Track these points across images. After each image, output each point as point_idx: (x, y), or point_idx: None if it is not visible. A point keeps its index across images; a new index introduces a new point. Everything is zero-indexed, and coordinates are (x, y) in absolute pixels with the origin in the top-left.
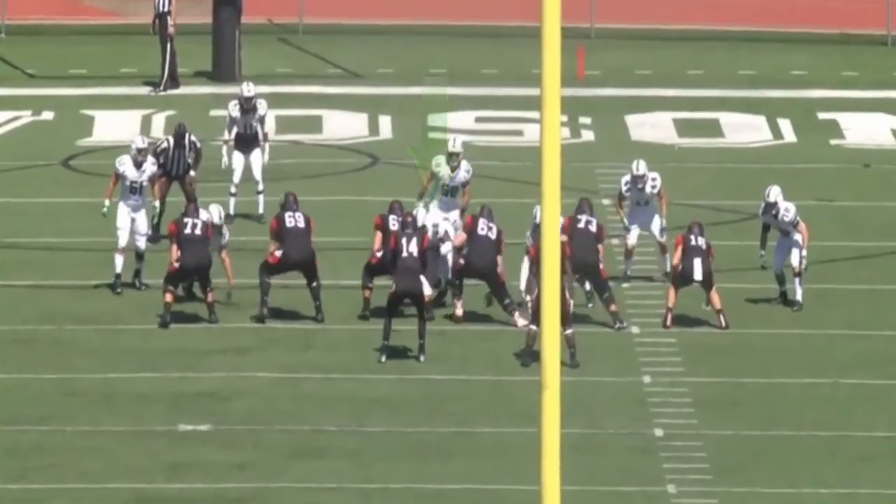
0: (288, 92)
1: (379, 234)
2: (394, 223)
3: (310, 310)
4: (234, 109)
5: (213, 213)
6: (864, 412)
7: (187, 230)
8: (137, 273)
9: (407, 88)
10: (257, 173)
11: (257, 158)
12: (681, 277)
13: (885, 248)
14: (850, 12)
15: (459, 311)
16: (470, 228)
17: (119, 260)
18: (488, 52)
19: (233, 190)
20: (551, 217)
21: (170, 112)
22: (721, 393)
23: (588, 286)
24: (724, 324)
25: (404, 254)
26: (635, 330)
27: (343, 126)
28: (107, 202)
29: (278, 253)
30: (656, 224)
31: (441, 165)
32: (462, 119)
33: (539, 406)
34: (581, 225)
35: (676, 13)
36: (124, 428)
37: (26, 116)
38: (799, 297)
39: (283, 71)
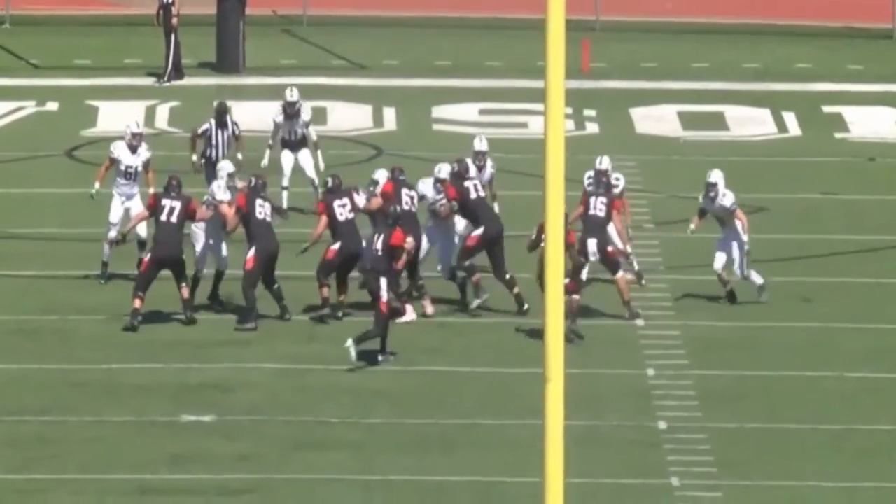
0: (292, 83)
1: (324, 218)
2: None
3: (316, 300)
4: (278, 115)
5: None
6: (869, 406)
7: (163, 216)
8: (140, 263)
9: (411, 80)
10: (311, 173)
11: (307, 159)
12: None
13: (890, 242)
14: (856, 5)
15: (430, 310)
16: (462, 197)
17: (107, 249)
18: (493, 44)
19: (285, 183)
20: (555, 209)
21: (174, 103)
22: (725, 386)
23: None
24: (628, 314)
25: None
26: (639, 322)
27: (347, 118)
28: (96, 185)
29: (335, 247)
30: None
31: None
32: (466, 111)
33: (543, 399)
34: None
35: (681, 6)
36: (127, 419)
37: (31, 107)
38: (759, 280)
39: (287, 62)
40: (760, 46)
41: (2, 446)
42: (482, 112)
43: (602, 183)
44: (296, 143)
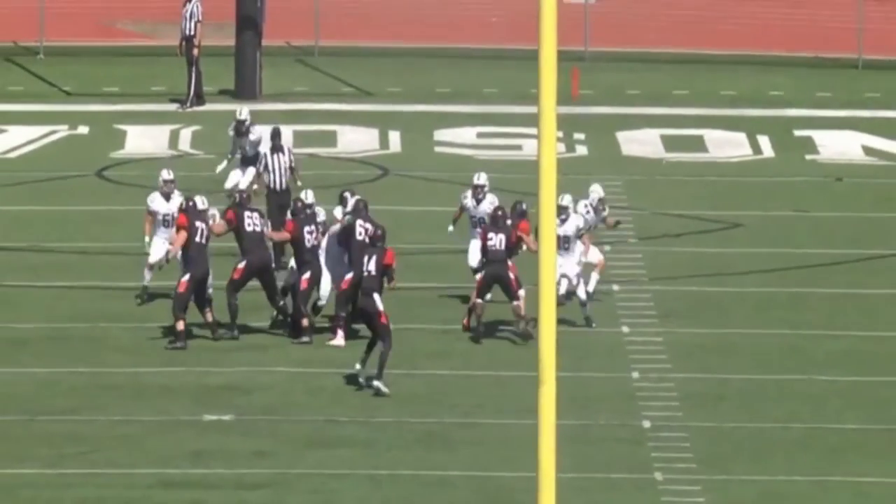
0: (305, 109)
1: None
2: (311, 233)
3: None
4: (230, 129)
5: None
6: (836, 407)
7: (196, 237)
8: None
9: (414, 106)
10: (243, 184)
11: (249, 173)
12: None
13: (857, 255)
14: (824, 38)
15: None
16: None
17: (148, 275)
18: (489, 73)
19: (226, 186)
20: (548, 225)
21: (196, 127)
22: (705, 388)
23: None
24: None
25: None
26: (625, 329)
27: (355, 140)
28: (146, 238)
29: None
30: (473, 255)
31: (467, 198)
32: (465, 134)
33: (537, 400)
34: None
35: (663, 38)
36: (152, 418)
37: (63, 130)
38: (590, 288)
39: (300, 89)
40: (736, 75)
41: (36, 444)
42: (480, 135)
43: (475, 200)
44: (248, 160)
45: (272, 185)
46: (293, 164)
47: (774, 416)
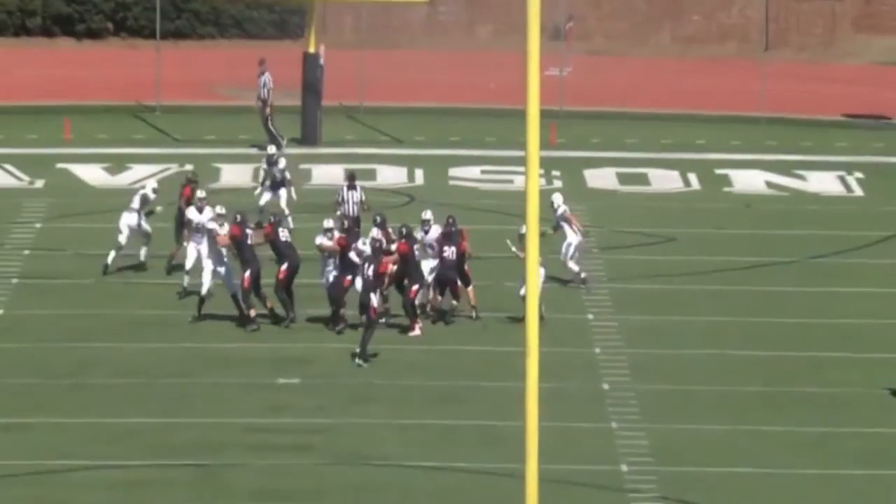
0: (352, 152)
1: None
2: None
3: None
4: (263, 164)
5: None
6: (748, 373)
7: (249, 240)
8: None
9: (434, 150)
10: (283, 205)
11: (283, 195)
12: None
13: (762, 262)
14: (736, 101)
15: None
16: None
17: (186, 278)
18: (490, 125)
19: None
20: (533, 237)
21: None
22: (650, 361)
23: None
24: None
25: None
26: (590, 317)
27: (390, 176)
28: (184, 244)
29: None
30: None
31: (419, 230)
32: (472, 172)
33: (524, 368)
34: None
35: (618, 100)
36: (239, 381)
37: (173, 168)
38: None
39: (349, 137)
40: (672, 128)
41: (153, 400)
42: (483, 172)
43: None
44: (277, 184)
45: (348, 214)
46: (363, 198)
47: (700, 381)
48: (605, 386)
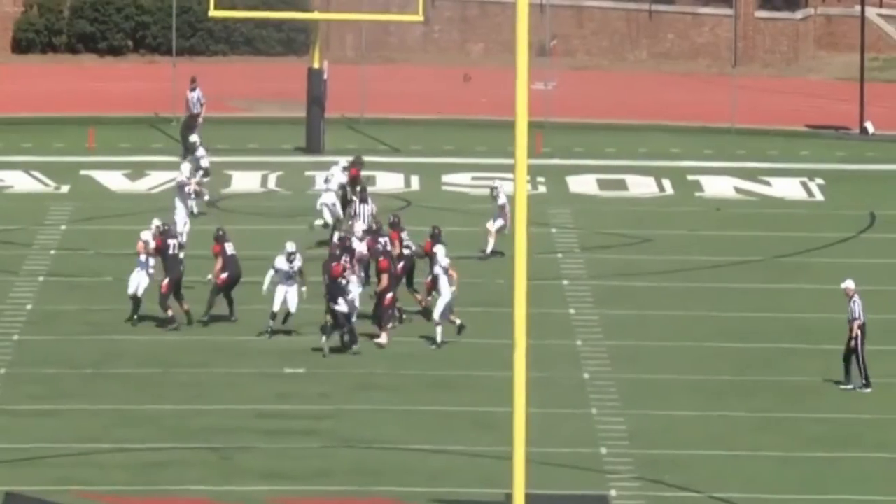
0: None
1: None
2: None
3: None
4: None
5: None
6: (718, 363)
7: (229, 250)
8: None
9: (429, 158)
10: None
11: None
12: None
13: (730, 261)
14: (707, 112)
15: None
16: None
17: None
18: (481, 135)
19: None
20: (521, 239)
21: (279, 172)
22: (627, 351)
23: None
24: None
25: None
26: (572, 311)
27: (388, 181)
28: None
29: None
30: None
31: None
32: (463, 178)
33: (512, 358)
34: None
35: (598, 112)
36: (250, 370)
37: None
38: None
39: (351, 147)
40: (648, 137)
41: (170, 388)
42: (473, 178)
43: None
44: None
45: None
46: (374, 212)
47: (673, 370)
48: (586, 375)
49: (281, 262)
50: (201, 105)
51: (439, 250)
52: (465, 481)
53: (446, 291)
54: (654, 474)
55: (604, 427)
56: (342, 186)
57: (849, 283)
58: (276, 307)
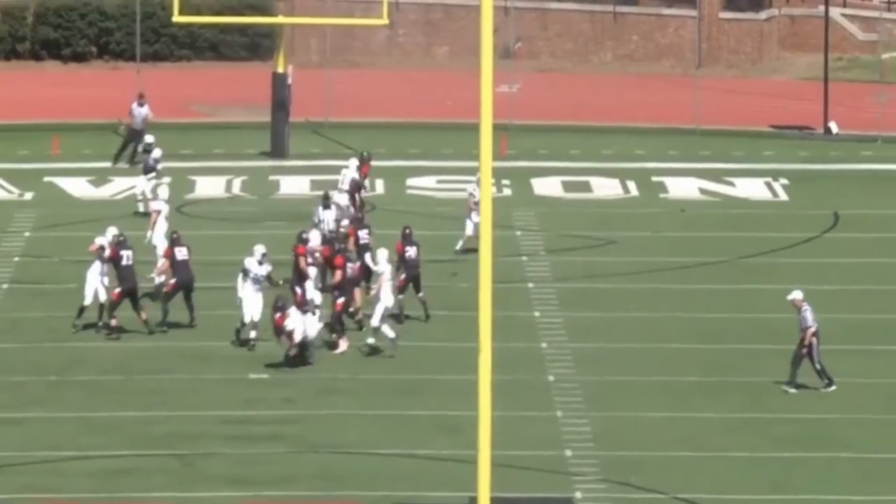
0: (318, 164)
1: (167, 262)
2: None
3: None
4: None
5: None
6: (683, 364)
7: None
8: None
9: (393, 161)
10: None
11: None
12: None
13: (696, 262)
14: (671, 114)
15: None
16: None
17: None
18: (446, 138)
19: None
20: (486, 242)
21: (244, 177)
22: (592, 354)
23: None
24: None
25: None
26: (537, 314)
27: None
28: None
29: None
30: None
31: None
32: (428, 182)
33: (477, 362)
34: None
35: (562, 114)
36: (215, 377)
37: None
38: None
39: (315, 151)
40: (612, 140)
41: (132, 395)
42: (438, 181)
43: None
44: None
45: (324, 232)
46: (338, 218)
47: (639, 372)
48: (551, 377)
49: (251, 264)
50: (144, 124)
51: (382, 254)
52: (430, 485)
53: (387, 297)
54: (620, 476)
55: (569, 429)
56: (356, 184)
57: (796, 295)
58: (248, 318)
